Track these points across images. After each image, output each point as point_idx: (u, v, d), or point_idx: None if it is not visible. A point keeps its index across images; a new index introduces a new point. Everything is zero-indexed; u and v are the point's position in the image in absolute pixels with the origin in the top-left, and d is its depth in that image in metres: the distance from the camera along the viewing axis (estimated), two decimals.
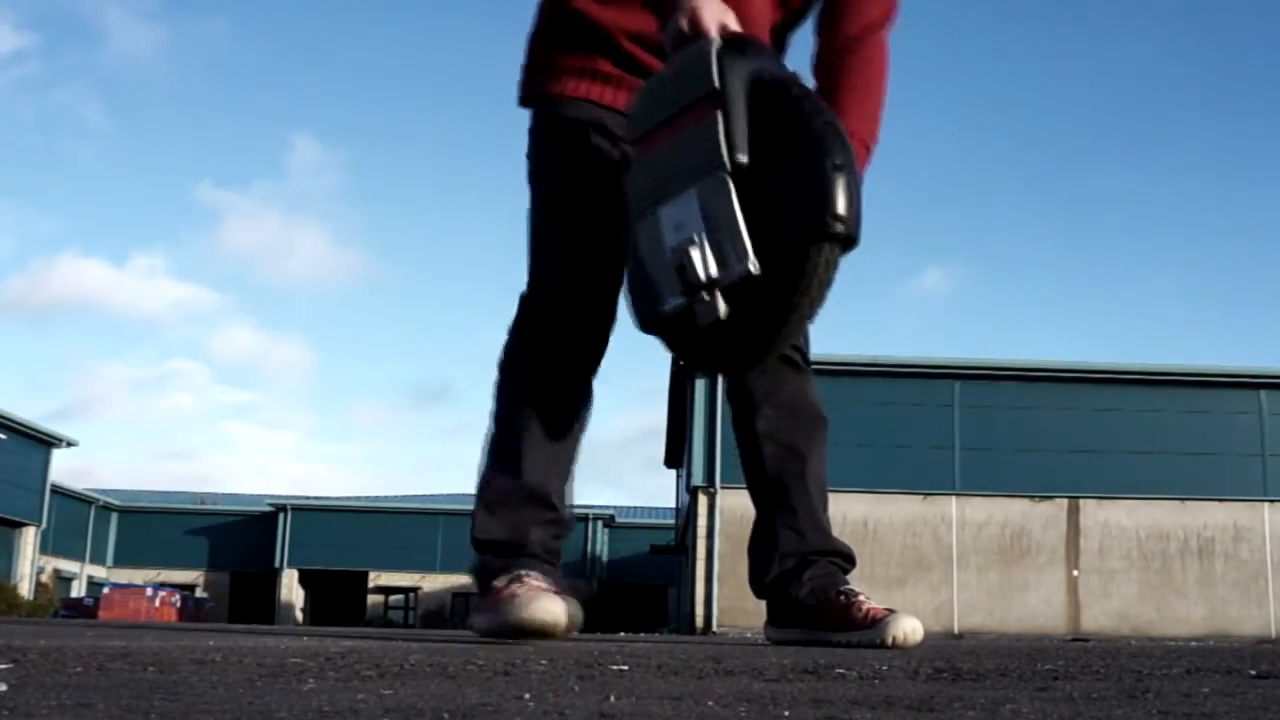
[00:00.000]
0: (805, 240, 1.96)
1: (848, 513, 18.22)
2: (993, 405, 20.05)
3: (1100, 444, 19.75)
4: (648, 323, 2.17)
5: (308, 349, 68.31)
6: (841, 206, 1.92)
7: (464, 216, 59.09)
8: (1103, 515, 19.73)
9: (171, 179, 59.22)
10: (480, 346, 61.27)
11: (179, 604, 30.98)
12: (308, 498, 39.58)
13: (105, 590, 30.55)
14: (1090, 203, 52.56)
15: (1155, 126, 51.20)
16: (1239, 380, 20.23)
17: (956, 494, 19.71)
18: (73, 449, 34.70)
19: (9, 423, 31.06)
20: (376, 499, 40.89)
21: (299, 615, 38.17)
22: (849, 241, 1.96)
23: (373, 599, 38.70)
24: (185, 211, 61.43)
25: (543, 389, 2.44)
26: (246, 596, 39.05)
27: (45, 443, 33.46)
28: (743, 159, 2.00)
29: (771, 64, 2.11)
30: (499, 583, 2.29)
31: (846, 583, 2.51)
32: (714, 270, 2.00)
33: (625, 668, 1.54)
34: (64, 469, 42.50)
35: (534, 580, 2.26)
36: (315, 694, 1.15)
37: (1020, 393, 20.17)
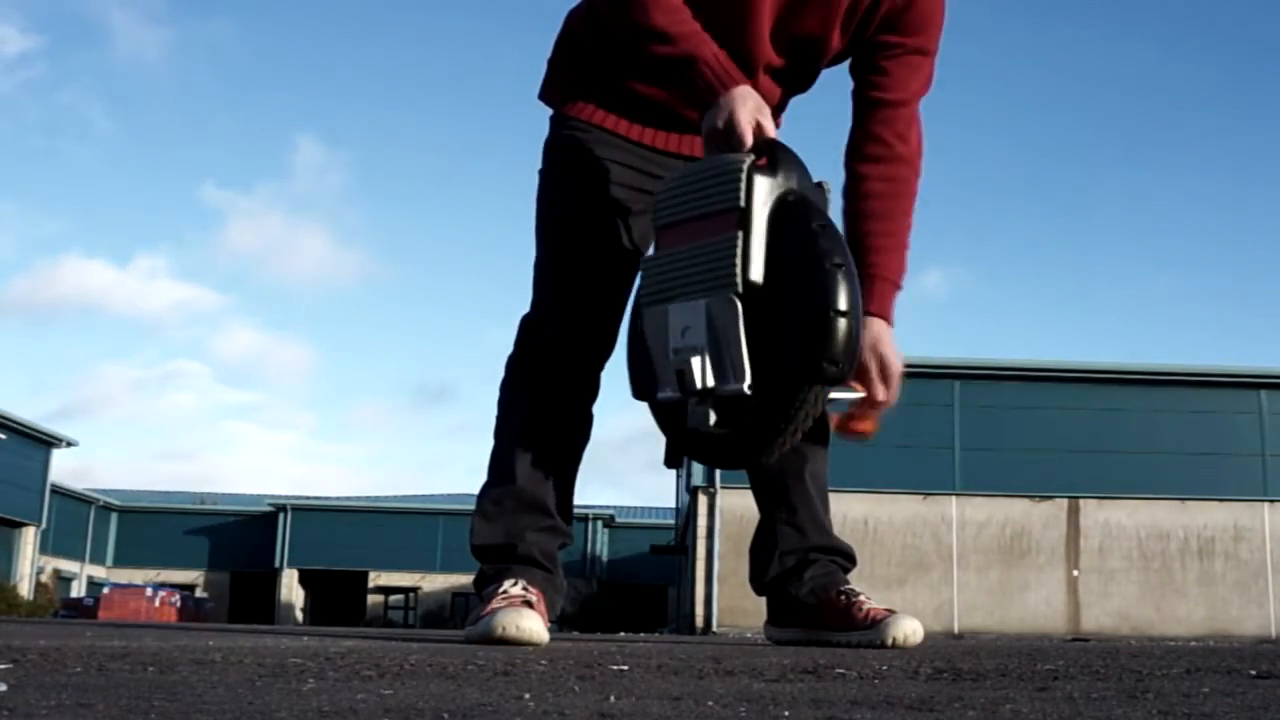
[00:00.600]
0: (798, 379, 2.10)
1: (848, 513, 18.22)
2: (993, 405, 20.07)
3: (1100, 444, 19.76)
4: (640, 397, 2.34)
5: (310, 349, 68.39)
6: (837, 353, 2.05)
7: (467, 217, 59.16)
8: (1103, 515, 19.74)
9: (175, 180, 59.30)
10: (483, 347, 61.38)
11: (179, 604, 30.98)
12: (308, 498, 39.59)
13: (105, 590, 30.55)
14: (1091, 203, 52.60)
15: (1156, 126, 51.26)
16: (1239, 380, 20.25)
17: (956, 494, 19.72)
18: (73, 449, 34.76)
19: (9, 423, 31.07)
20: (376, 499, 40.90)
21: (299, 615, 38.18)
22: (839, 382, 2.14)
23: (373, 599, 38.70)
24: (189, 212, 61.51)
25: (542, 407, 2.45)
26: (246, 596, 39.06)
27: (45, 443, 33.47)
28: (755, 281, 2.11)
29: (800, 180, 2.19)
30: (486, 592, 2.33)
31: (847, 582, 2.52)
32: (710, 382, 2.14)
33: (625, 668, 1.54)
34: (64, 469, 42.56)
35: (517, 590, 2.29)
36: (315, 694, 1.15)
37: (1020, 393, 20.19)
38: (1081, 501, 19.77)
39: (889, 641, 2.31)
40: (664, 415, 2.32)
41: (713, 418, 2.16)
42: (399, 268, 61.91)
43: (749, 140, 2.16)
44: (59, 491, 35.44)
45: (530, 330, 2.50)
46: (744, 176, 2.12)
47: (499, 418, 2.50)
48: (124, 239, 63.36)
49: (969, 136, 52.80)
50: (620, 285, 2.47)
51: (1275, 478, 19.83)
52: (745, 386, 2.10)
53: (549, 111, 2.56)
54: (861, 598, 2.45)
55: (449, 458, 75.76)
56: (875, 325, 2.36)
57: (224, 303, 65.25)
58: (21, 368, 60.96)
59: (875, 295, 2.37)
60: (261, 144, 59.71)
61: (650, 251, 2.32)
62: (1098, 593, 19.49)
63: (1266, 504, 19.82)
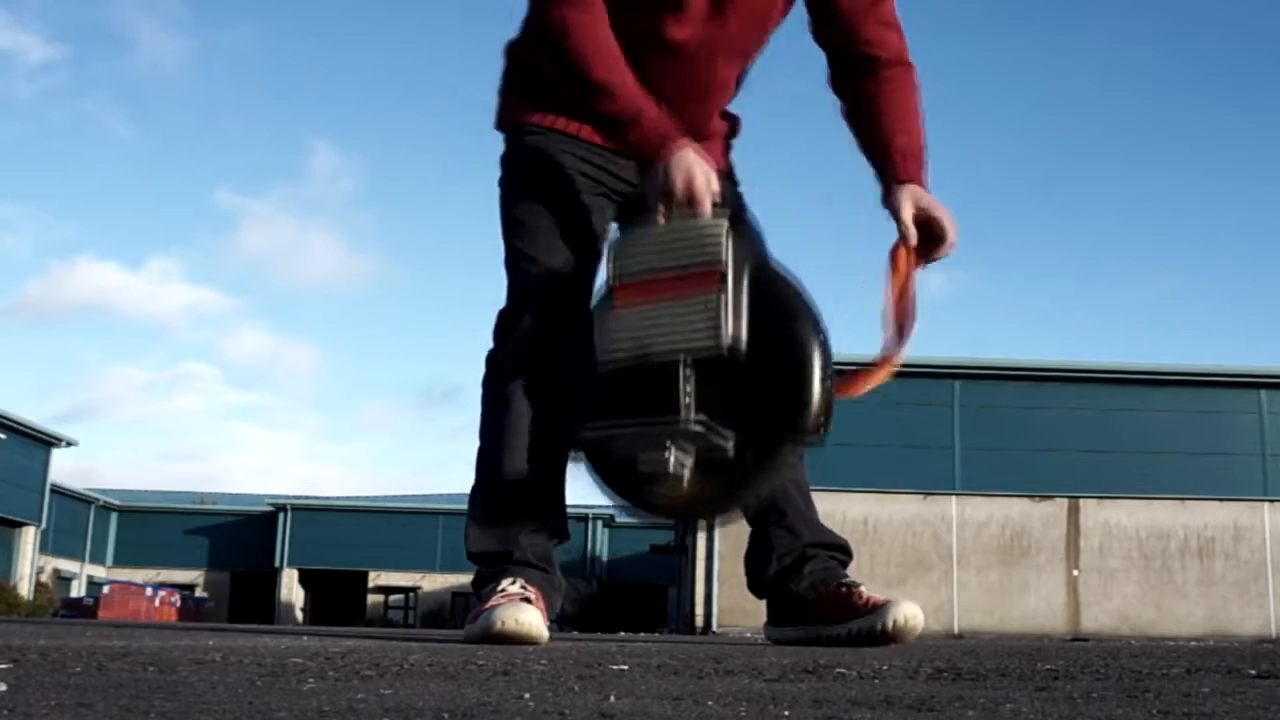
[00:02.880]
0: (781, 439, 2.17)
1: (848, 512, 18.21)
2: (993, 405, 20.05)
3: (1101, 444, 19.74)
4: (585, 443, 2.30)
5: (317, 351, 68.42)
6: (816, 413, 2.13)
7: (475, 220, 59.12)
8: (1103, 515, 19.73)
9: (190, 184, 59.34)
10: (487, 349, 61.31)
11: (179, 604, 30.98)
12: (308, 497, 39.56)
13: (105, 590, 30.52)
14: (1091, 203, 52.60)
15: (1156, 127, 51.26)
16: (1240, 380, 20.22)
17: (957, 494, 19.70)
18: (77, 450, 34.78)
19: (9, 423, 31.05)
20: (376, 499, 40.87)
21: (299, 615, 38.16)
22: (814, 444, 2.19)
23: (373, 599, 38.68)
24: (203, 216, 61.58)
25: (524, 401, 2.45)
26: (246, 596, 39.02)
27: (45, 443, 33.45)
28: (732, 341, 2.15)
29: (761, 244, 2.26)
30: (485, 591, 2.35)
31: (846, 575, 2.53)
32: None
33: (625, 668, 1.54)
34: (64, 469, 42.52)
35: (515, 588, 2.30)
36: (315, 694, 1.15)
37: (1020, 392, 20.17)
38: (1081, 501, 19.74)
39: (890, 625, 2.31)
40: (620, 471, 2.27)
41: (688, 469, 2.16)
42: (408, 271, 61.99)
43: (709, 207, 2.20)
44: (59, 491, 35.41)
45: (507, 322, 2.51)
46: (725, 240, 2.17)
47: (483, 416, 2.50)
48: (138, 242, 63.57)
49: (970, 136, 52.80)
50: (586, 265, 2.47)
51: (1275, 478, 19.81)
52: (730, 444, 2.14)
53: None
54: (861, 587, 2.46)
55: (452, 458, 75.84)
56: (910, 190, 2.44)
57: (234, 305, 65.36)
58: (31, 369, 61.08)
59: (909, 165, 2.47)
60: (277, 148, 59.85)
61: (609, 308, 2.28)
62: (1098, 593, 19.48)
63: (1266, 504, 19.79)
